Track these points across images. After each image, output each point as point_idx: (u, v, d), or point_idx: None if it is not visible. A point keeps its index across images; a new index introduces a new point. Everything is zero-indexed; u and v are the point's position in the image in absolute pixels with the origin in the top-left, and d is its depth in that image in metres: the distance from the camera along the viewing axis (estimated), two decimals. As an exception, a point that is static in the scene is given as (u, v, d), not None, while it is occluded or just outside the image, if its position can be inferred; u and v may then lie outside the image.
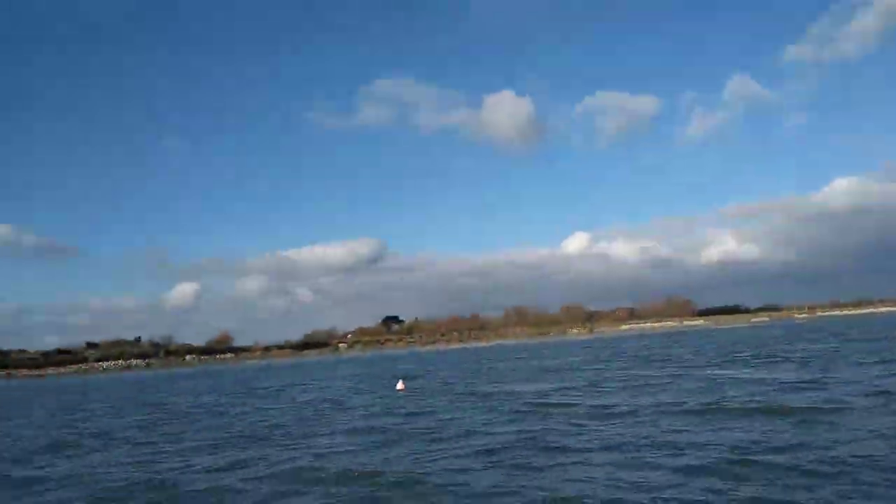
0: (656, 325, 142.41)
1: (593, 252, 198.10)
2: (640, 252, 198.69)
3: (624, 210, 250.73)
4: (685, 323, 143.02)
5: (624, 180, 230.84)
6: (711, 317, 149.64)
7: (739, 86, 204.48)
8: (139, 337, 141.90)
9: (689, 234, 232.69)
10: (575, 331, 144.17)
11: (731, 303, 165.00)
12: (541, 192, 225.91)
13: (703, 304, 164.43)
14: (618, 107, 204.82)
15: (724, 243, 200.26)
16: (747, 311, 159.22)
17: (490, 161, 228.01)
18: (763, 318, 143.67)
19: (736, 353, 29.13)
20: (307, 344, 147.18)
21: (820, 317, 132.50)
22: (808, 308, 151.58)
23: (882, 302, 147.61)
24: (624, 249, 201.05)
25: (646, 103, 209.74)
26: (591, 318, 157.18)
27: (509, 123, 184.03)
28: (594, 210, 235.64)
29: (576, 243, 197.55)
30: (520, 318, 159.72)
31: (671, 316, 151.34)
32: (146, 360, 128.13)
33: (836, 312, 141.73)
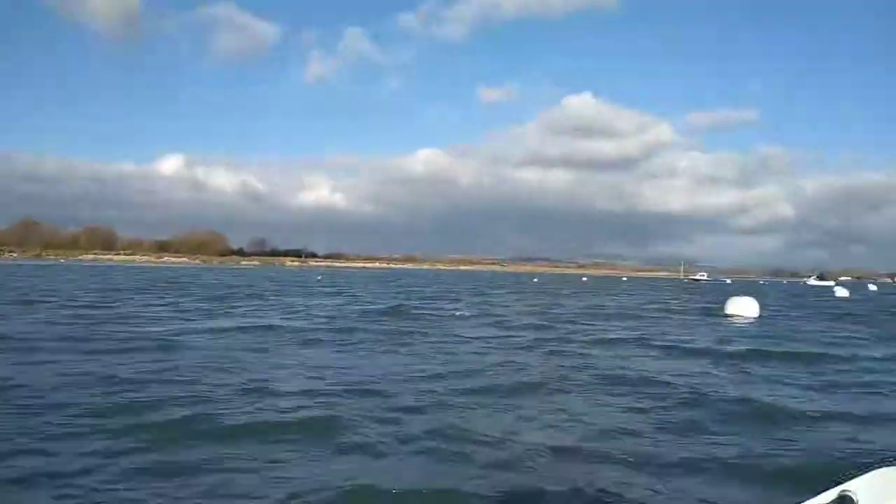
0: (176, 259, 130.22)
1: (187, 176, 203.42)
2: (240, 185, 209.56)
3: (227, 139, 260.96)
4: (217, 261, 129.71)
5: (231, 107, 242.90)
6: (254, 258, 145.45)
7: (355, 39, 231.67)
8: None
9: (288, 174, 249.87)
10: (90, 256, 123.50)
11: (307, 246, 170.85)
12: (132, 96, 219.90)
13: (281, 245, 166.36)
14: (236, 24, 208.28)
15: (320, 189, 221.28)
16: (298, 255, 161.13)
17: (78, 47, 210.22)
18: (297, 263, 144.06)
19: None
20: None
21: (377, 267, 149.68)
22: (380, 259, 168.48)
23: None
24: (222, 180, 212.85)
25: (267, 29, 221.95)
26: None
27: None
28: (194, 132, 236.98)
29: (170, 164, 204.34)
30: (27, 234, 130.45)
31: (204, 252, 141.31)
32: None
33: (406, 265, 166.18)
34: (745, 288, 70.89)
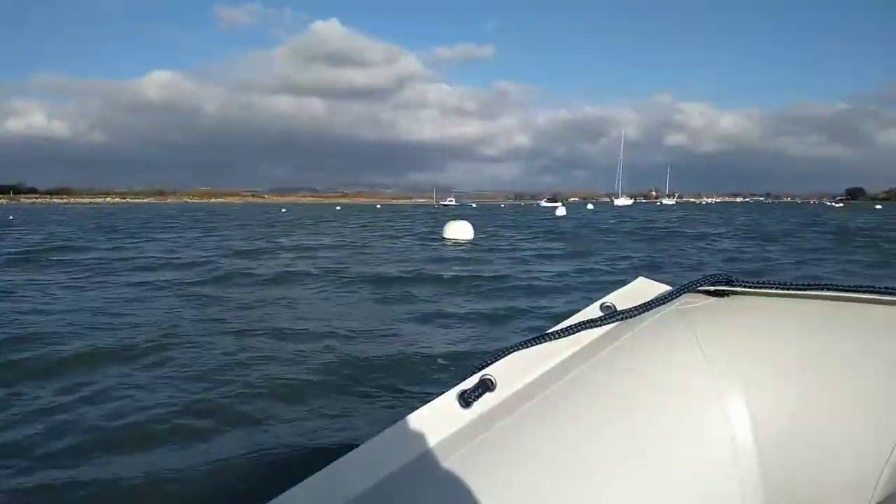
0: None
1: None
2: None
3: None
4: None
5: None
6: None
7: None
8: None
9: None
10: None
11: (25, 182, 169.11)
12: None
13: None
14: None
15: (32, 115, 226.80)
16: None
17: None
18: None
19: None
20: None
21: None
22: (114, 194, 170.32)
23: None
24: None
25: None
26: None
27: None
28: None
29: None
30: None
31: None
32: None
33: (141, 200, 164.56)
34: (487, 211, 76.17)
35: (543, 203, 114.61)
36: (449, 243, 18.08)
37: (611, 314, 1.01)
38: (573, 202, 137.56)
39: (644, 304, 1.02)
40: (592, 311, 1.03)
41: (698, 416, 0.91)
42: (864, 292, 0.97)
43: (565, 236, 22.19)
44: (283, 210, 73.57)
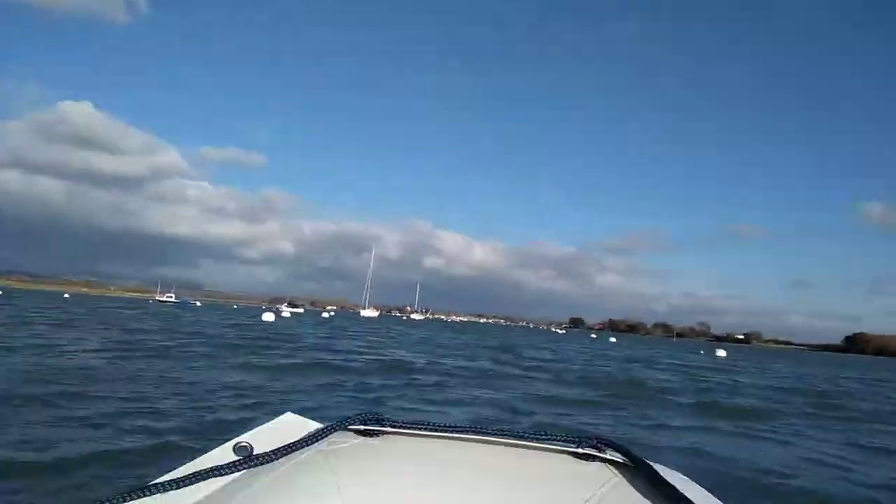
0: None
1: None
2: None
3: None
4: None
5: None
6: None
7: None
8: None
9: None
10: None
11: None
12: None
13: None
14: None
15: None
16: None
17: None
18: None
19: None
20: None
21: None
22: None
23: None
24: None
25: None
26: None
27: None
28: None
29: None
30: None
31: None
32: None
33: None
34: (212, 311, 64.94)
35: (284, 307, 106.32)
36: None
37: (246, 458, 0.85)
38: (330, 309, 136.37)
39: (285, 446, 0.89)
40: (223, 453, 0.88)
41: None
42: (504, 436, 0.98)
43: (229, 348, 14.41)
44: None
